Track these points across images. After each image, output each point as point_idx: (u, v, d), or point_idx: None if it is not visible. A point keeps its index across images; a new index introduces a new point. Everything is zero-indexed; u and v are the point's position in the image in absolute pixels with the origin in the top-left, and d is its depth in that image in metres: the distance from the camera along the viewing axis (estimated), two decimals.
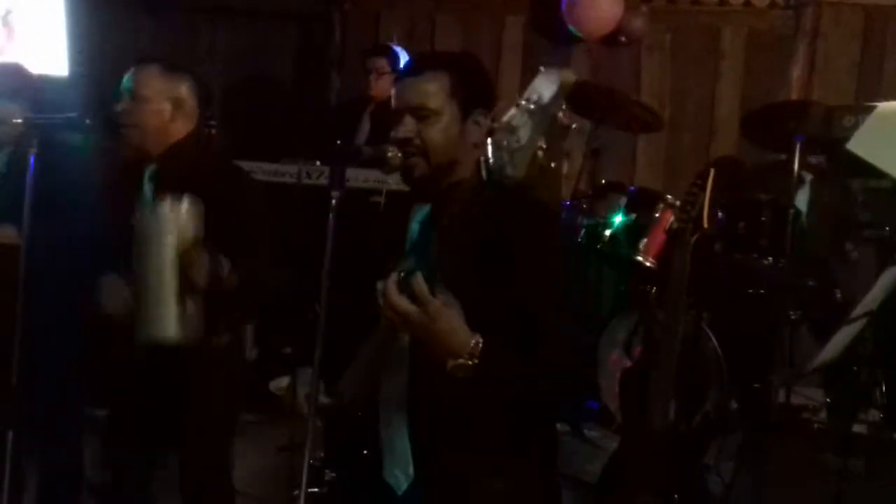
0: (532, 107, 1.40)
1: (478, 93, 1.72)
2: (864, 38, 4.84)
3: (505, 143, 1.40)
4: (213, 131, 4.30)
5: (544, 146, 1.41)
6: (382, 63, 4.46)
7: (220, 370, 2.42)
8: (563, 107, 1.48)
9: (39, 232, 2.27)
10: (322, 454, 1.82)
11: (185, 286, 2.17)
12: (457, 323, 1.49)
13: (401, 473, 1.68)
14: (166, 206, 2.17)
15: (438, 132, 1.67)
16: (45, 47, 4.65)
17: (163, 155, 2.39)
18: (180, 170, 2.36)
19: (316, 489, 1.79)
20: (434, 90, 1.67)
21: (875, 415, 2.48)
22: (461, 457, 1.63)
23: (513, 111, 1.41)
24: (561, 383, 1.58)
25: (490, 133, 1.43)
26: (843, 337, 1.74)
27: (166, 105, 2.39)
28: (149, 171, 2.40)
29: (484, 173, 1.43)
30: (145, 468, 2.52)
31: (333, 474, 1.77)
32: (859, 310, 1.71)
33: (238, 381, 2.53)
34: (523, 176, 1.39)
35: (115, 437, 2.51)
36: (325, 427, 1.79)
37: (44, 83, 2.88)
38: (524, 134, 1.39)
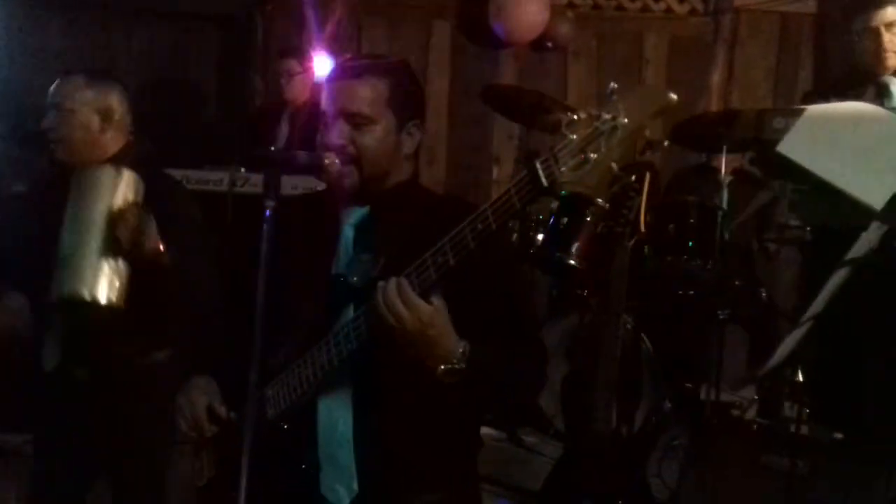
0: (615, 124, 1.30)
1: (413, 103, 1.70)
2: (780, 44, 5.00)
3: (579, 157, 1.32)
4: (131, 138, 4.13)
5: (616, 164, 1.31)
6: (293, 65, 4.37)
7: (158, 387, 2.27)
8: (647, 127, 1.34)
9: None
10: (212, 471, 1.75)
11: (112, 247, 2.04)
12: (447, 328, 1.48)
13: (342, 488, 1.63)
14: (107, 169, 2.08)
15: (373, 140, 1.63)
16: None
17: None
18: None
19: None
20: (372, 97, 1.63)
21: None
22: (406, 470, 1.61)
23: (589, 128, 1.32)
24: (535, 381, 1.67)
25: (558, 144, 1.34)
26: (791, 341, 1.77)
27: (93, 117, 2.27)
28: None
29: (544, 180, 1.33)
30: (75, 495, 2.36)
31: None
32: (808, 313, 1.74)
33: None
34: (594, 191, 1.32)
35: (42, 462, 2.37)
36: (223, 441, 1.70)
37: None
38: (600, 150, 1.31)
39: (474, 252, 1.41)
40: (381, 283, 1.46)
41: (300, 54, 4.44)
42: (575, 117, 1.33)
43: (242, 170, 3.77)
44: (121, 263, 2.06)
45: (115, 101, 2.31)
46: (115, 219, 2.03)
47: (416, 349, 1.47)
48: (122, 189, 2.06)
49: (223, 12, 5.16)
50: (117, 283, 2.06)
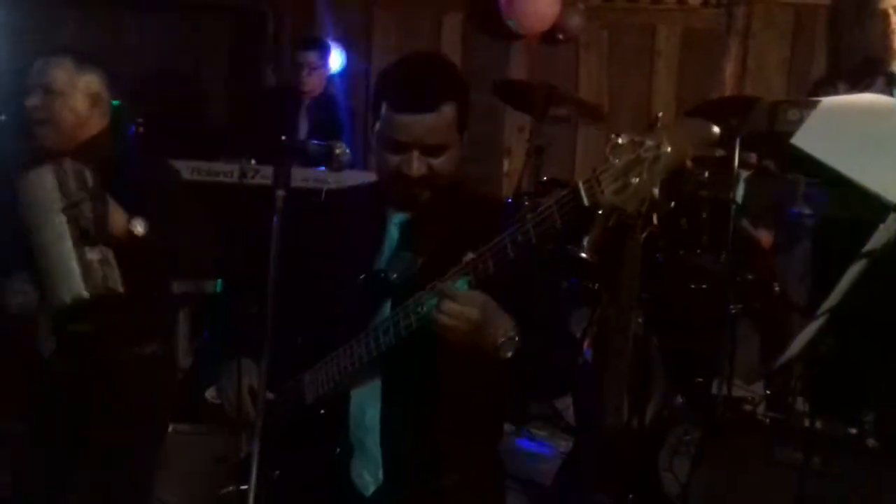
0: (658, 153, 1.36)
1: (469, 113, 1.73)
2: (794, 36, 4.96)
3: (621, 181, 1.37)
4: (142, 129, 4.13)
5: (657, 190, 1.36)
6: (313, 58, 4.40)
7: (147, 381, 2.30)
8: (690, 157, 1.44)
9: None
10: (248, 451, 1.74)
11: (83, 240, 2.06)
12: (496, 305, 1.52)
13: (369, 476, 1.68)
14: (47, 168, 2.08)
15: (448, 163, 1.69)
16: None
17: (76, 150, 2.25)
18: (96, 164, 2.21)
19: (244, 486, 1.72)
20: (446, 125, 1.67)
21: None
22: (429, 458, 1.66)
23: (632, 154, 1.37)
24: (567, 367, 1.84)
25: (601, 167, 1.39)
26: (805, 335, 1.75)
27: (83, 100, 2.26)
28: None
29: (586, 200, 1.39)
30: (61, 485, 2.35)
31: (277, 472, 1.72)
32: (823, 307, 1.72)
33: (167, 394, 2.41)
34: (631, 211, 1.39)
35: (29, 451, 2.36)
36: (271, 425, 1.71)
37: None
38: (642, 176, 1.36)
39: (513, 260, 1.47)
40: (437, 294, 1.50)
41: (319, 46, 4.46)
42: (619, 141, 1.38)
43: (253, 161, 3.76)
44: (102, 249, 2.07)
45: (102, 86, 2.30)
46: (72, 213, 2.05)
47: (478, 334, 1.50)
48: (69, 183, 2.07)
49: (235, 5, 5.16)
50: (107, 269, 2.08)
